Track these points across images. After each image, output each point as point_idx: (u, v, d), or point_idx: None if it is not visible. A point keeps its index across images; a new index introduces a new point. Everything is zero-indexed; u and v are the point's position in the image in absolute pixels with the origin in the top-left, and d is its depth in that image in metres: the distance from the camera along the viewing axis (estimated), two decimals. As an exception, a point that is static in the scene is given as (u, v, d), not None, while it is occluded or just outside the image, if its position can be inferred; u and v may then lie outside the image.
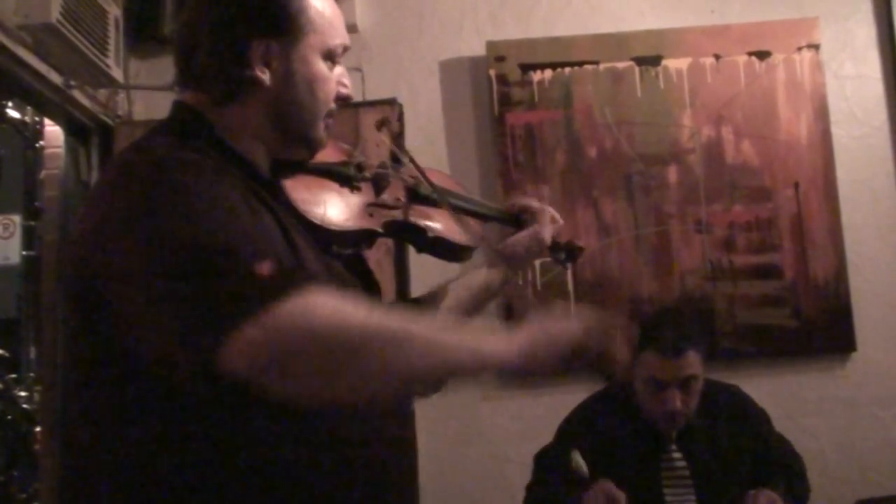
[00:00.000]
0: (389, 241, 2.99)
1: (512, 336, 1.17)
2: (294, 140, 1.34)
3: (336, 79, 1.35)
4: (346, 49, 1.36)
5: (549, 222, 1.66)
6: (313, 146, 1.36)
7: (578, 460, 2.17)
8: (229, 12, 1.27)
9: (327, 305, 1.04)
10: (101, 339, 1.17)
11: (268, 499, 1.14)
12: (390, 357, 1.06)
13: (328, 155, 1.44)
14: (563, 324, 1.25)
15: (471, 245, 1.60)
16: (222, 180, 1.16)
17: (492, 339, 1.16)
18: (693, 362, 2.32)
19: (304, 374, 1.03)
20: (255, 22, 1.26)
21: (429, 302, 1.60)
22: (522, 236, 1.64)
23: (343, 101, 1.37)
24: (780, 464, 2.43)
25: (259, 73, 1.27)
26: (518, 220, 1.66)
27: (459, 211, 1.60)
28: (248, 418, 1.13)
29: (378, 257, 3.04)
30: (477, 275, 1.63)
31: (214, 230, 1.08)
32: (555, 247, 1.75)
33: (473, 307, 1.62)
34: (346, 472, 1.20)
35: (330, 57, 1.33)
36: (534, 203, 1.66)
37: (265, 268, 1.05)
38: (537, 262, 3.17)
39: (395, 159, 1.55)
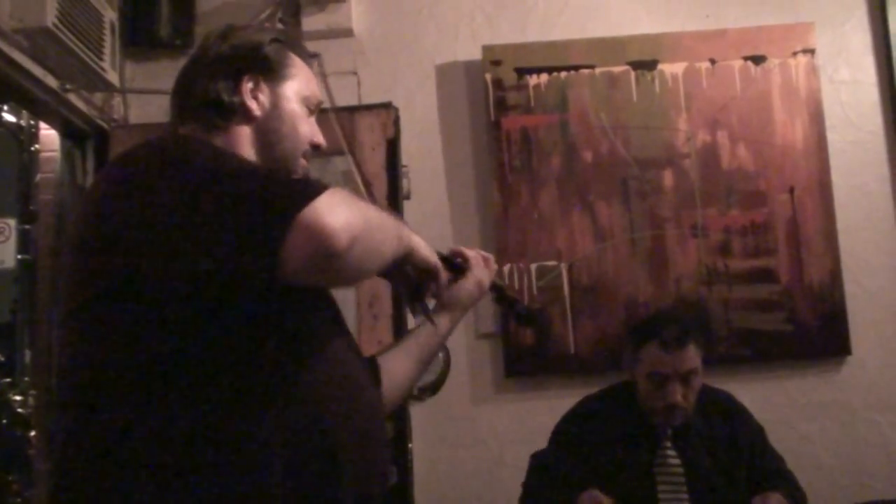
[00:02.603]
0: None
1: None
2: (277, 168, 1.48)
3: (312, 129, 1.54)
4: (318, 104, 1.57)
5: (484, 265, 1.77)
6: None
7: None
8: (224, 51, 1.48)
9: (347, 194, 1.22)
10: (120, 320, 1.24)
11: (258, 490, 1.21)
12: (384, 236, 1.30)
13: None
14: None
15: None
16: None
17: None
18: (694, 356, 2.36)
19: (357, 251, 1.19)
20: (246, 61, 1.47)
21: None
22: (461, 284, 1.73)
23: (316, 150, 1.55)
24: (779, 474, 2.44)
25: (248, 101, 1.46)
26: (454, 265, 1.75)
27: None
28: (234, 400, 1.22)
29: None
30: (422, 327, 1.73)
31: (242, 163, 1.29)
32: (517, 307, 1.91)
33: (425, 355, 1.71)
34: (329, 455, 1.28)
35: (306, 104, 1.52)
36: (466, 251, 1.77)
37: (295, 175, 1.27)
38: (533, 266, 3.18)
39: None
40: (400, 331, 2.96)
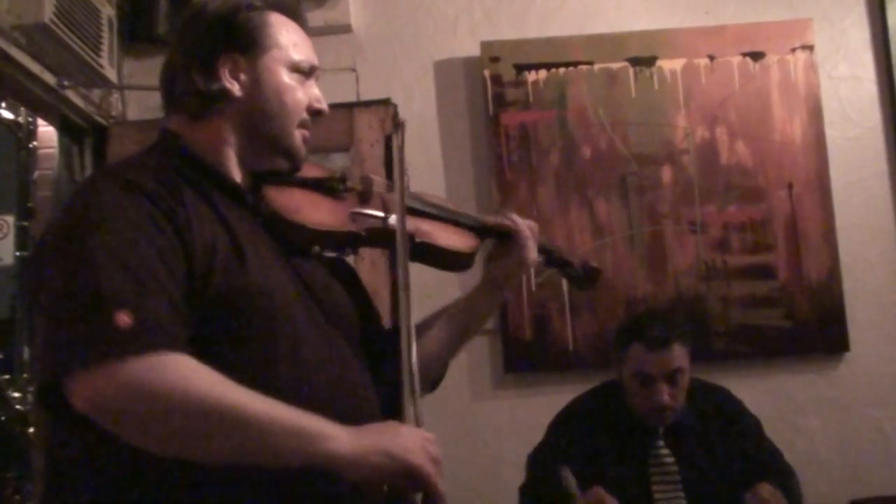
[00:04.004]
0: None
1: (353, 435, 1.19)
2: (270, 148, 1.41)
3: (309, 94, 1.43)
4: (314, 69, 1.45)
5: (530, 243, 1.62)
6: (291, 154, 1.42)
7: (568, 477, 2.18)
8: (197, 35, 1.40)
9: (171, 371, 1.12)
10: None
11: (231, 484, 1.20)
12: (219, 432, 1.13)
13: (315, 174, 1.48)
14: (406, 444, 1.22)
15: (462, 251, 1.59)
16: (143, 210, 1.22)
17: (330, 431, 1.17)
18: (679, 355, 2.35)
19: (135, 428, 1.13)
20: (220, 40, 1.38)
21: (422, 330, 1.61)
22: (504, 259, 1.62)
23: (317, 115, 1.44)
24: (774, 468, 2.43)
25: (228, 85, 1.37)
26: (500, 235, 1.64)
27: (447, 221, 1.61)
28: None
29: (373, 258, 3.04)
30: (462, 298, 1.65)
31: (98, 267, 1.15)
32: (569, 270, 1.77)
33: (464, 330, 1.64)
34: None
35: (296, 70, 1.42)
36: (517, 221, 1.63)
37: (124, 319, 1.12)
38: (532, 263, 3.17)
39: (388, 175, 1.56)
40: (396, 324, 2.96)
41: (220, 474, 1.18)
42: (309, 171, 1.47)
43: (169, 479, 1.18)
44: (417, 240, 1.52)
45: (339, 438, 1.17)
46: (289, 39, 1.42)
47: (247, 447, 1.14)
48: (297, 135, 1.42)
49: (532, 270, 1.67)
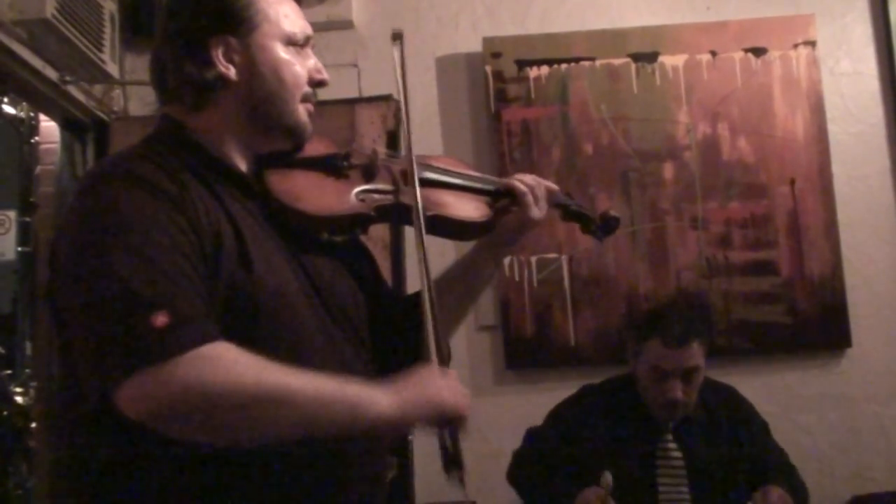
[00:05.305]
0: (386, 238, 2.99)
1: (392, 393, 1.23)
2: (274, 129, 1.37)
3: (307, 66, 1.38)
4: (308, 38, 1.39)
5: (533, 203, 1.55)
6: (296, 133, 1.38)
7: (608, 480, 2.21)
8: (183, 20, 1.34)
9: (219, 364, 1.13)
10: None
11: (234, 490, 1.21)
12: (275, 416, 1.15)
13: (321, 151, 1.44)
14: (438, 389, 1.30)
15: (476, 220, 1.54)
16: (158, 206, 1.20)
17: (372, 395, 1.22)
18: (696, 353, 2.36)
19: (194, 426, 1.13)
20: (206, 23, 1.32)
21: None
22: (507, 217, 1.57)
23: (319, 86, 1.40)
24: (781, 469, 2.44)
25: (223, 70, 1.32)
26: (511, 195, 1.57)
27: (459, 189, 1.55)
28: None
29: (374, 252, 3.03)
30: (463, 259, 1.61)
31: (125, 272, 1.14)
32: (586, 222, 1.71)
33: (467, 291, 1.60)
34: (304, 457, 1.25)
35: (291, 43, 1.36)
36: (517, 184, 1.56)
37: (161, 319, 1.11)
38: (533, 259, 3.18)
39: (392, 147, 1.53)
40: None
41: (241, 478, 1.20)
42: (313, 146, 1.42)
43: (195, 483, 1.19)
44: (429, 213, 1.45)
45: (381, 402, 1.21)
46: (278, 11, 1.36)
47: (301, 425, 1.17)
48: (302, 110, 1.38)
49: (541, 219, 1.61)
